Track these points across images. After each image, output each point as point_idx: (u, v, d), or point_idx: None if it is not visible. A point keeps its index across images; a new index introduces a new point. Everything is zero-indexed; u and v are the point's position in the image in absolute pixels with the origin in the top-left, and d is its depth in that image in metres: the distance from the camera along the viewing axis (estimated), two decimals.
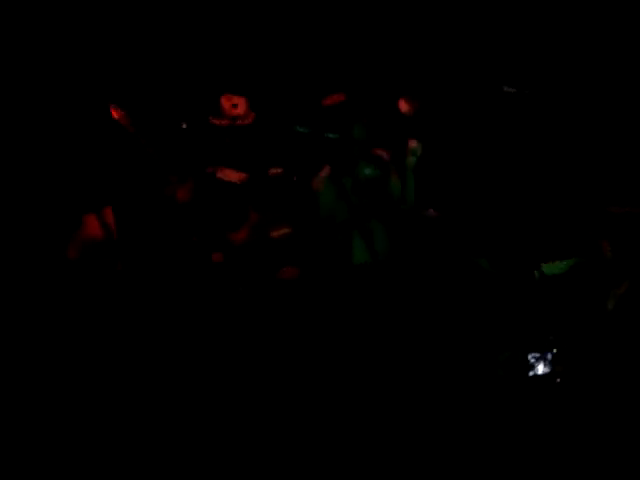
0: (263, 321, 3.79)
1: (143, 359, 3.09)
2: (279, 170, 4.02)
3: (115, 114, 3.30)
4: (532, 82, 3.83)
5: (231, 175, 3.90)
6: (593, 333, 1.61)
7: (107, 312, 3.03)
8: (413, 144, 3.52)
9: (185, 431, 2.90)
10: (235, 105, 3.83)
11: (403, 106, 4.04)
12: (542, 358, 2.86)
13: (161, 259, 3.51)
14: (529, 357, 2.64)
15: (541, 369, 2.75)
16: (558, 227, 1.66)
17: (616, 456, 1.42)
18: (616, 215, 3.08)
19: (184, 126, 3.79)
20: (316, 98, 3.68)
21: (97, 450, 2.75)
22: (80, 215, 2.80)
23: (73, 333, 2.88)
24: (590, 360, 1.48)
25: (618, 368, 1.41)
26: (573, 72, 4.03)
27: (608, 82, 3.99)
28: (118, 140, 3.38)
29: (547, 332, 2.98)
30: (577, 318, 1.90)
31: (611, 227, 2.68)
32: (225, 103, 3.85)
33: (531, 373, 2.70)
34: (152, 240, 3.49)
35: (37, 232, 2.92)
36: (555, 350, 2.80)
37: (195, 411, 3.10)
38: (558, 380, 2.35)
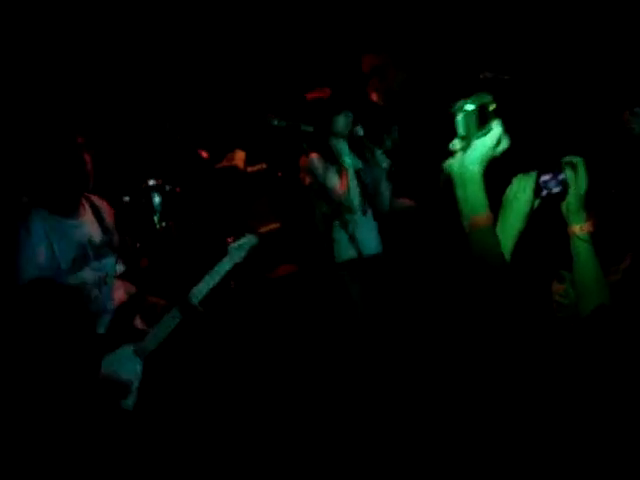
0: (255, 315, 3.81)
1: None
2: (263, 166, 4.05)
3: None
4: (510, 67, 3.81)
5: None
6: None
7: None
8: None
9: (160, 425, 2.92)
10: None
11: (374, 96, 4.02)
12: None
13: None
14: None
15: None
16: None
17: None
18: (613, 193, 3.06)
19: None
20: (294, 93, 3.70)
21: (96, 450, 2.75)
22: None
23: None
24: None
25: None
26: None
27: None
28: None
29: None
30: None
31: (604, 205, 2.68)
32: None
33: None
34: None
35: None
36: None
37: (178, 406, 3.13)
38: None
